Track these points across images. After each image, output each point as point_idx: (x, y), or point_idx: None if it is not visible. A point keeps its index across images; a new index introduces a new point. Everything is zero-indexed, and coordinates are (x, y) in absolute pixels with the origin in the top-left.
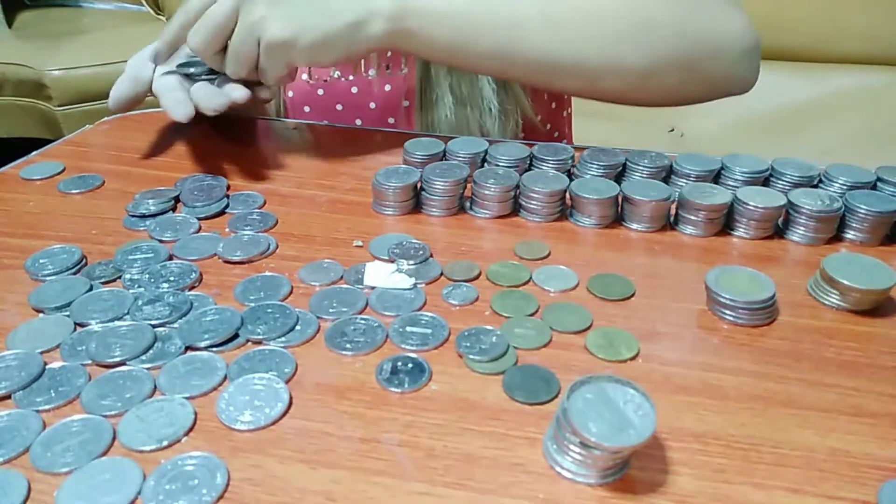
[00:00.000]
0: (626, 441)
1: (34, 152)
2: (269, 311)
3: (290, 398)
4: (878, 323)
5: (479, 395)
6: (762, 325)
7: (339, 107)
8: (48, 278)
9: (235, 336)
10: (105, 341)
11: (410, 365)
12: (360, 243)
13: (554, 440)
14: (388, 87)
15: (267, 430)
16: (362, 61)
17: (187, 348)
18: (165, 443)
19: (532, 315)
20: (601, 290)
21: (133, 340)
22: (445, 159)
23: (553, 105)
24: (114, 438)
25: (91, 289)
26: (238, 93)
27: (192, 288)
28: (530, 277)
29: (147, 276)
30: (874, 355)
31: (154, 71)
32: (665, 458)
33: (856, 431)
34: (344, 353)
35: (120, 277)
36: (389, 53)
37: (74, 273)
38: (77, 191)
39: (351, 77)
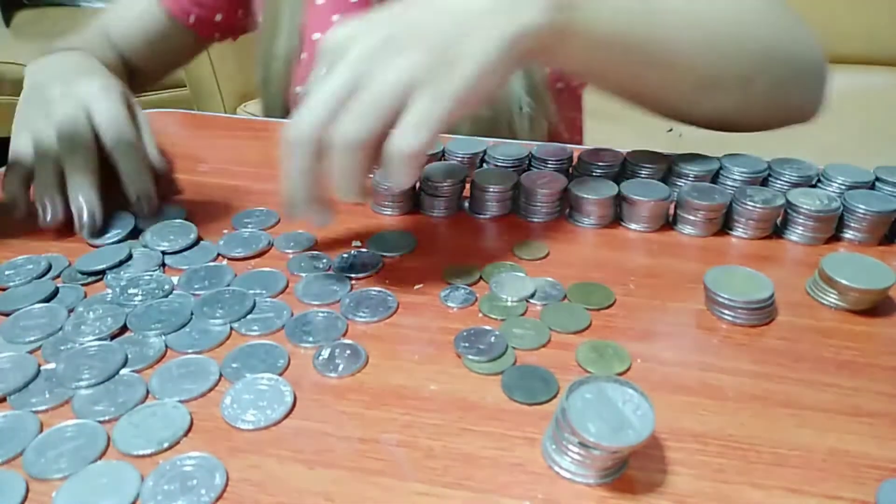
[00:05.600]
0: (625, 441)
1: None
2: (227, 295)
3: (294, 400)
4: (876, 322)
5: (478, 395)
6: (761, 324)
7: None
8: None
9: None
10: (74, 363)
11: (348, 351)
12: (359, 243)
13: (553, 440)
14: None
15: (266, 430)
16: None
17: (167, 348)
18: (166, 444)
19: (522, 315)
20: (582, 299)
21: (102, 363)
22: (444, 159)
23: (569, 114)
24: (108, 443)
25: (56, 292)
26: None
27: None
28: (533, 293)
29: (125, 282)
30: (873, 355)
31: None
32: (664, 458)
33: (854, 431)
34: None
35: (103, 279)
36: None
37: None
38: None
39: None
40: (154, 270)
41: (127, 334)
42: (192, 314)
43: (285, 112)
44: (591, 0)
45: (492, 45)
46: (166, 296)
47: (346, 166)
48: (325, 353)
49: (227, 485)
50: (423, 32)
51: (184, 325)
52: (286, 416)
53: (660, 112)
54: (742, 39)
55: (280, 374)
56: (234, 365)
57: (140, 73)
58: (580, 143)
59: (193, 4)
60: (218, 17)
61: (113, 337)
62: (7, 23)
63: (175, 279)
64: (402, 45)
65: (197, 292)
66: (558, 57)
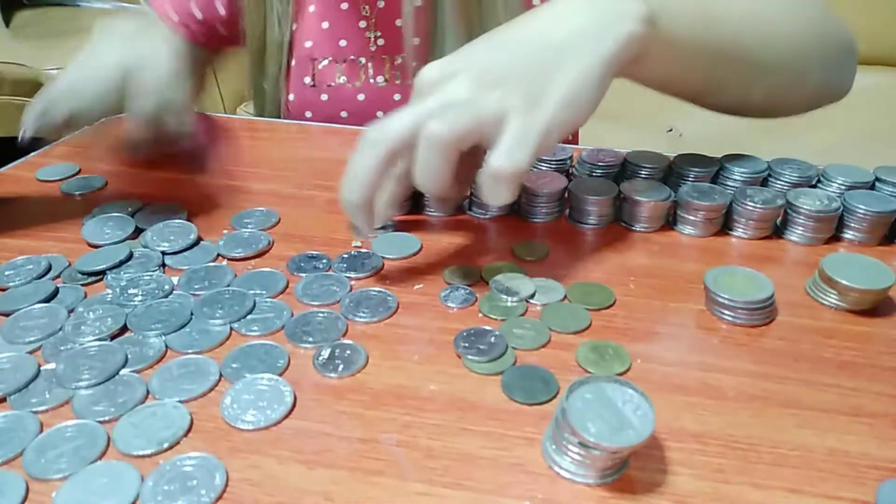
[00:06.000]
0: (625, 441)
1: (33, 153)
2: (227, 296)
3: (295, 401)
4: (876, 323)
5: (478, 395)
6: (761, 325)
7: (343, 114)
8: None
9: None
10: (74, 363)
11: (348, 352)
12: (359, 243)
13: (553, 440)
14: (398, 97)
15: (266, 430)
16: (370, 67)
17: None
18: (166, 445)
19: (522, 315)
20: (582, 299)
21: (102, 363)
22: None
23: None
24: (108, 443)
25: (56, 293)
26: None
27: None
28: (533, 293)
29: (125, 283)
30: (873, 355)
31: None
32: (664, 458)
33: (854, 431)
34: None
35: (103, 279)
36: (399, 61)
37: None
38: (79, 192)
39: (357, 83)
40: (154, 271)
41: (127, 334)
42: (191, 314)
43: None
44: (668, 7)
45: (588, 69)
46: (166, 296)
47: (432, 162)
48: (325, 353)
49: (227, 485)
50: (519, 64)
51: (184, 326)
52: (286, 417)
53: (721, 107)
54: (796, 26)
55: (280, 375)
56: (234, 365)
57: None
58: (576, 139)
59: (199, 24)
60: (222, 31)
61: (113, 337)
62: (7, 23)
63: (175, 279)
64: (498, 79)
65: (197, 292)
66: (643, 68)
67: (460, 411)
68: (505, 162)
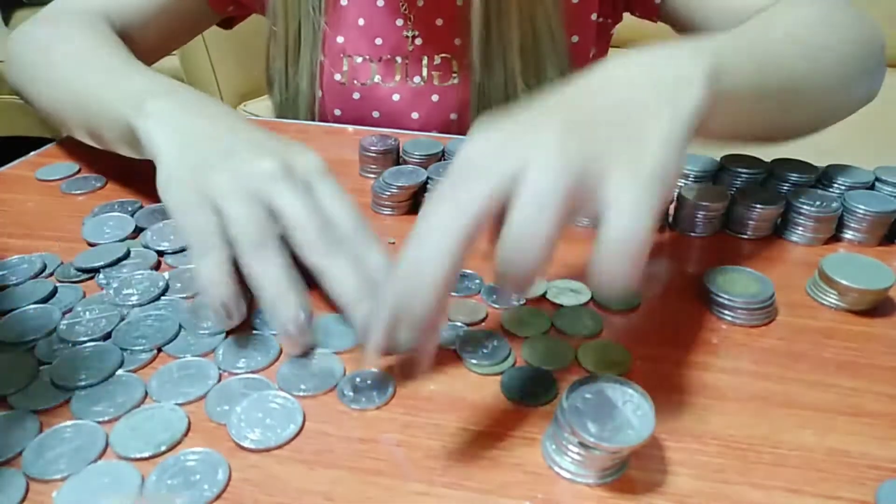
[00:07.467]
0: (625, 441)
1: (32, 153)
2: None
3: (304, 421)
4: (876, 323)
5: (478, 395)
6: (761, 325)
7: (375, 114)
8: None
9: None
10: (71, 364)
11: (369, 381)
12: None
13: (553, 440)
14: (435, 98)
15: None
16: (406, 66)
17: (159, 350)
18: (164, 447)
19: (546, 333)
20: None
21: (99, 363)
22: (444, 159)
23: None
24: (107, 444)
25: (55, 292)
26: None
27: (160, 297)
28: (545, 292)
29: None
30: (873, 355)
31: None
32: (664, 458)
33: (854, 431)
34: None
35: (93, 277)
36: (438, 60)
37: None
38: (79, 191)
39: (392, 83)
40: (149, 270)
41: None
42: (180, 327)
43: (311, 117)
44: (730, 59)
45: (672, 127)
46: (159, 297)
47: (539, 223)
48: (348, 389)
49: (229, 480)
50: (600, 110)
51: (170, 342)
52: (294, 438)
53: (783, 142)
54: (840, 47)
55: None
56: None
57: (139, 50)
58: None
59: None
60: None
61: (106, 337)
62: (6, 22)
63: (166, 274)
64: (585, 122)
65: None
66: (712, 124)
67: (460, 411)
68: (633, 223)
